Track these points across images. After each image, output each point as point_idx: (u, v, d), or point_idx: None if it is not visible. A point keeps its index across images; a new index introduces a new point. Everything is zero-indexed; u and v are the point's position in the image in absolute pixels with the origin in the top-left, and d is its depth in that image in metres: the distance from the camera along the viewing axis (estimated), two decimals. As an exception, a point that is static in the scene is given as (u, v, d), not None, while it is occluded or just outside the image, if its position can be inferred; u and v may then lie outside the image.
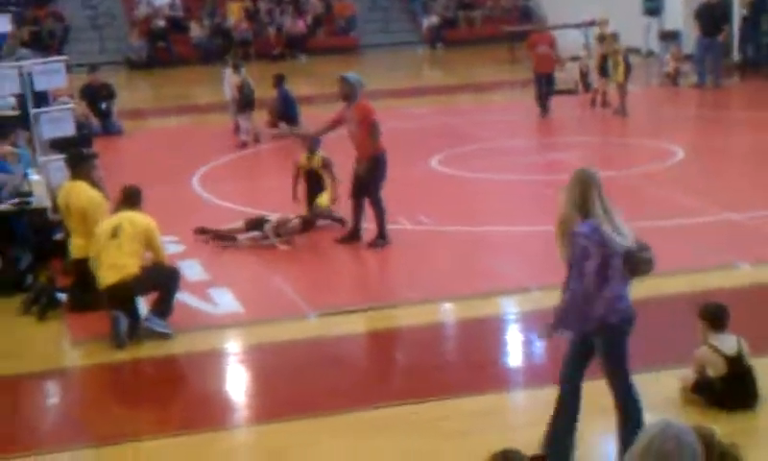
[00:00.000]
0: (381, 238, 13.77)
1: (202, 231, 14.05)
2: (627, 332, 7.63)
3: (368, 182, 13.65)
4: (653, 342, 10.57)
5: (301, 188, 15.00)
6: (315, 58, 33.92)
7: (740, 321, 10.14)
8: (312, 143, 14.92)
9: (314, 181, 14.90)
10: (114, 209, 11.25)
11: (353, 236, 13.95)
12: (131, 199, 11.11)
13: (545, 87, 22.28)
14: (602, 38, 24.02)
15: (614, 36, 22.88)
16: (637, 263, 7.56)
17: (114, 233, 10.76)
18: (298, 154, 15.31)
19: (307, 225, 14.48)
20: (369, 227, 13.88)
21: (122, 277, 10.65)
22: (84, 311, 11.49)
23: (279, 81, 21.80)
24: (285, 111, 21.63)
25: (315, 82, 30.51)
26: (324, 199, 14.71)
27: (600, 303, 7.38)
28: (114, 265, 10.69)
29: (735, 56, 27.32)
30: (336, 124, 13.96)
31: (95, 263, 10.94)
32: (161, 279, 10.87)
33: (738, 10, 27.40)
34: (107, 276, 10.73)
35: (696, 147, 19.07)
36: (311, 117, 22.27)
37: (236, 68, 21.67)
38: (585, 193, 7.54)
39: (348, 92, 13.69)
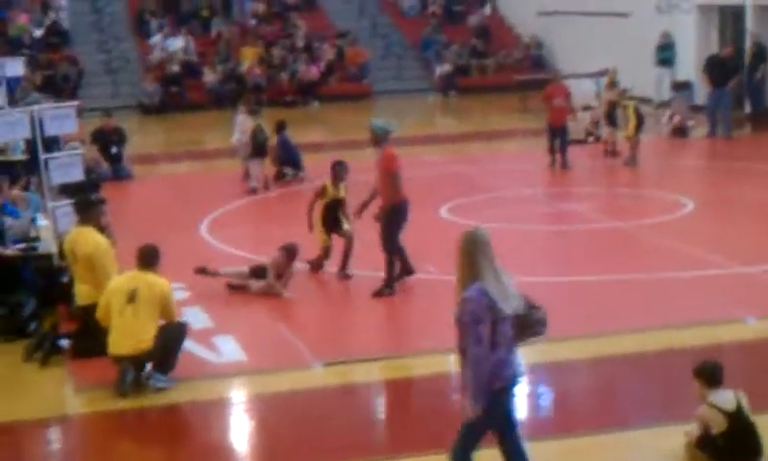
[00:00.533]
0: (388, 288, 13.74)
1: (202, 271, 13.97)
2: (509, 398, 7.46)
3: (383, 230, 13.71)
4: (659, 396, 10.50)
5: (317, 217, 14.75)
6: (327, 104, 34.01)
7: (746, 376, 10.09)
8: (342, 170, 14.76)
9: (334, 211, 14.73)
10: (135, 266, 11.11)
11: (407, 273, 13.96)
12: (147, 259, 10.97)
13: (560, 139, 22.19)
14: (610, 87, 24.09)
15: (623, 91, 22.97)
16: (526, 326, 7.42)
17: (131, 298, 10.68)
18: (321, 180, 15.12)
19: (318, 262, 14.50)
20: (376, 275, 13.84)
21: (136, 351, 10.59)
22: (88, 358, 11.44)
23: (280, 127, 21.82)
24: (287, 158, 21.66)
25: (327, 128, 30.62)
26: (346, 226, 14.67)
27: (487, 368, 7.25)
28: (130, 336, 10.62)
29: (747, 107, 27.28)
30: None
31: (106, 321, 10.85)
32: (170, 340, 10.79)
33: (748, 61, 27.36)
34: (120, 345, 10.67)
35: (706, 199, 19.01)
36: (323, 163, 22.30)
37: (252, 113, 21.67)
38: (473, 255, 7.35)
39: (374, 139, 13.82)
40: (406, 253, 13.95)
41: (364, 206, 14.18)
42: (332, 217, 14.72)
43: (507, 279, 7.41)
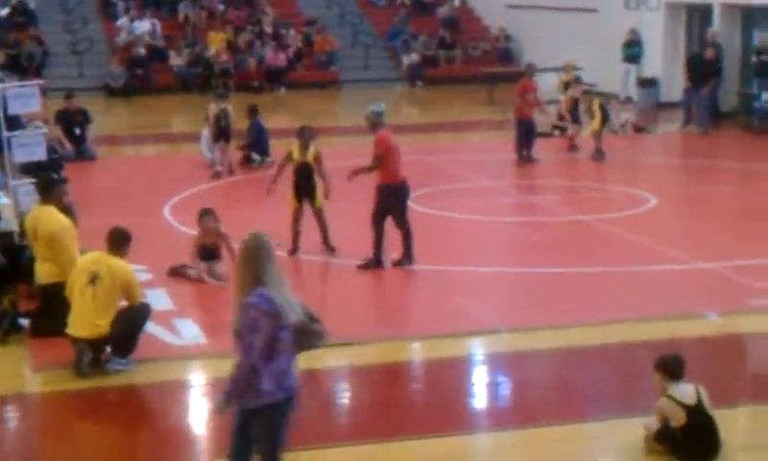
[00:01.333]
0: (407, 259, 14.20)
1: (175, 272, 13.85)
2: (291, 410, 7.27)
3: (390, 210, 14.12)
4: (619, 388, 10.55)
5: (287, 183, 14.76)
6: (294, 91, 33.91)
7: (705, 371, 10.15)
8: (308, 134, 14.79)
9: (305, 177, 14.67)
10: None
11: (377, 264, 14.17)
12: (117, 243, 10.86)
13: (530, 133, 22.19)
14: (567, 84, 24.19)
15: (586, 88, 23.07)
16: (307, 336, 7.29)
17: (92, 280, 10.60)
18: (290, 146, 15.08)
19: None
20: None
21: (92, 335, 10.52)
22: (47, 337, 11.34)
23: (255, 112, 21.74)
24: (257, 142, 21.58)
25: (293, 115, 30.50)
26: (319, 198, 14.65)
27: (267, 378, 7.05)
28: (87, 320, 10.56)
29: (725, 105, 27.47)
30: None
31: (70, 297, 10.78)
32: (131, 323, 10.72)
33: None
34: (78, 327, 10.60)
35: (670, 194, 19.10)
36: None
37: (219, 98, 21.57)
38: (257, 261, 7.11)
39: (370, 125, 14.28)
40: (383, 241, 14.17)
41: (356, 172, 14.36)
42: (303, 184, 14.65)
43: (287, 287, 7.20)
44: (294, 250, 14.67)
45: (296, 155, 14.73)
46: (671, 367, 8.69)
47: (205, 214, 14.12)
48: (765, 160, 22.31)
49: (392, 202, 14.11)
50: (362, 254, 14.28)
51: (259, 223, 15.41)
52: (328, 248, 14.68)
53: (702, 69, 25.76)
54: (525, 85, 22.53)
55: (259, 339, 6.96)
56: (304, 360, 10.88)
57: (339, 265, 14.45)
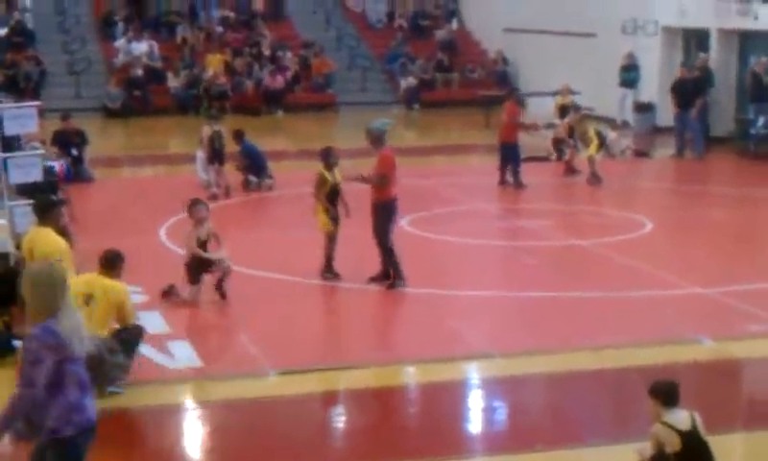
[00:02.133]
0: (399, 279, 14.20)
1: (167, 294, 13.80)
2: (83, 445, 6.92)
3: (375, 228, 14.19)
4: (613, 414, 10.54)
5: (320, 207, 14.60)
6: (292, 114, 33.96)
7: (700, 397, 10.14)
8: (332, 156, 14.68)
9: (335, 199, 14.60)
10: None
11: (400, 279, 14.30)
12: (110, 264, 10.88)
13: (516, 158, 22.16)
14: (563, 108, 24.29)
15: (582, 116, 23.16)
16: (105, 368, 7.08)
17: (87, 301, 10.58)
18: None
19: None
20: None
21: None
22: (41, 359, 11.31)
23: (240, 136, 21.69)
24: (252, 164, 21.59)
25: (290, 137, 30.57)
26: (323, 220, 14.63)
27: (53, 413, 6.76)
28: None
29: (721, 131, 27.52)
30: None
31: None
32: (124, 345, 10.70)
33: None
34: None
35: (665, 220, 19.12)
36: (285, 172, 22.29)
37: (212, 119, 21.60)
38: (49, 292, 6.78)
39: (371, 140, 14.35)
40: (396, 257, 14.26)
41: (360, 179, 14.40)
42: (336, 206, 14.61)
43: (79, 318, 6.96)
44: (333, 274, 14.57)
45: (328, 178, 14.55)
46: (666, 393, 8.66)
47: (196, 204, 14.04)
48: (761, 186, 22.35)
49: (385, 219, 14.18)
50: (361, 276, 14.31)
51: (256, 245, 15.51)
52: (333, 272, 14.64)
53: (687, 91, 25.80)
54: (513, 109, 22.50)
55: (42, 372, 6.67)
56: (299, 385, 10.97)
57: (338, 288, 14.44)
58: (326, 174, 14.55)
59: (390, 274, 14.30)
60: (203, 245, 13.81)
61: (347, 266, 14.61)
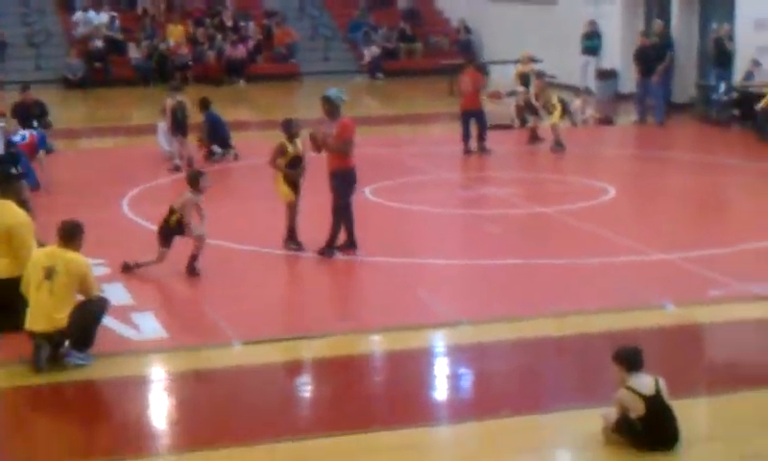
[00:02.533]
0: (329, 248, 14.17)
1: (127, 268, 13.68)
2: None
3: (335, 194, 14.18)
4: (577, 380, 10.60)
5: (279, 176, 14.56)
6: (254, 84, 33.82)
7: (664, 361, 10.22)
8: (293, 127, 14.62)
9: (295, 169, 14.50)
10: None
11: (350, 245, 14.34)
12: (69, 235, 10.77)
13: (482, 124, 22.26)
14: (523, 76, 24.39)
15: (539, 75, 23.22)
16: None
17: (48, 275, 10.52)
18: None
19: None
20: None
21: (50, 328, 10.45)
22: (4, 333, 11.25)
23: (206, 105, 21.56)
24: (215, 135, 21.46)
25: (253, 107, 30.47)
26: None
27: None
28: (44, 313, 10.49)
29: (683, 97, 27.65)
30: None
31: (28, 294, 10.71)
32: (88, 316, 10.65)
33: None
34: (35, 321, 10.53)
35: (628, 186, 19.21)
36: (248, 142, 22.21)
37: (174, 90, 21.47)
38: None
39: (330, 109, 14.26)
40: (353, 225, 14.28)
41: (322, 142, 14.21)
42: (298, 176, 14.54)
43: None
44: (296, 244, 14.54)
45: (289, 148, 14.51)
46: (630, 358, 8.74)
47: (202, 175, 13.99)
48: (722, 152, 22.50)
49: (346, 187, 14.20)
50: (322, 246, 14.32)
51: (220, 216, 15.40)
52: (296, 243, 14.59)
53: (648, 58, 25.88)
54: (476, 76, 22.53)
55: None
56: (265, 355, 10.97)
57: (302, 258, 14.43)
58: (288, 145, 14.50)
59: (354, 241, 14.29)
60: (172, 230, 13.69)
61: (310, 236, 14.58)
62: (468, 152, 22.01)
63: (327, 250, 14.19)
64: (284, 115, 15.25)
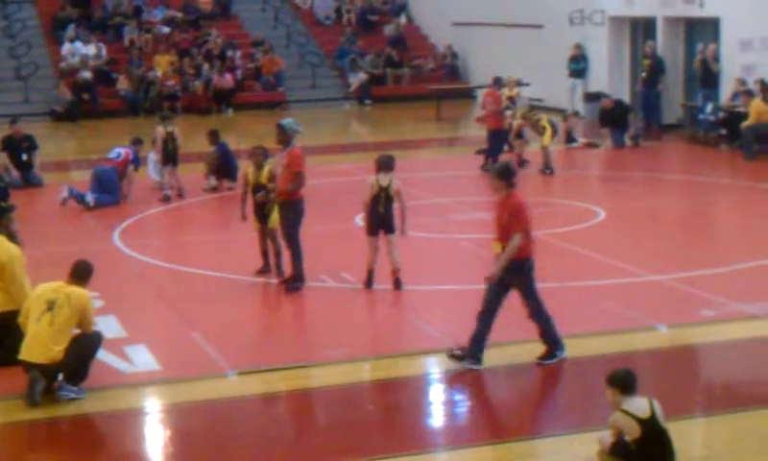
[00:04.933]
0: (298, 281, 13.93)
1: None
2: None
3: (284, 225, 13.98)
4: (572, 403, 10.60)
5: (249, 205, 14.67)
6: (243, 112, 33.86)
7: (658, 383, 10.23)
8: (260, 156, 14.65)
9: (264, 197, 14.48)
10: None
11: (300, 281, 14.14)
12: (79, 275, 10.85)
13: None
14: (511, 98, 24.62)
15: (530, 114, 23.39)
16: None
17: (50, 306, 10.56)
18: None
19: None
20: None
21: (45, 359, 10.44)
22: (-2, 367, 11.24)
23: (216, 136, 21.39)
24: (225, 167, 21.37)
25: (241, 135, 30.45)
26: (274, 218, 14.46)
27: None
28: (41, 344, 10.48)
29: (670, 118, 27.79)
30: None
31: (26, 326, 10.71)
32: (83, 350, 10.64)
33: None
34: (32, 352, 10.52)
35: (617, 208, 19.24)
36: (237, 172, 22.17)
37: (164, 120, 21.46)
38: None
39: (283, 138, 14.05)
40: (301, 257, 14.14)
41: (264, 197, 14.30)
42: (262, 206, 14.48)
43: None
44: (264, 269, 14.59)
45: (250, 177, 14.61)
46: (623, 381, 8.73)
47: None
48: (711, 172, 22.56)
49: (292, 218, 14.02)
50: (313, 275, 14.29)
51: (210, 247, 15.44)
52: (279, 272, 14.56)
53: (615, 116, 26.03)
54: (495, 96, 22.81)
55: None
56: (260, 385, 10.94)
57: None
58: (249, 173, 14.59)
59: (302, 275, 14.17)
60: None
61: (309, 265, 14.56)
62: (520, 163, 22.36)
63: (297, 283, 14.03)
64: (273, 143, 15.13)
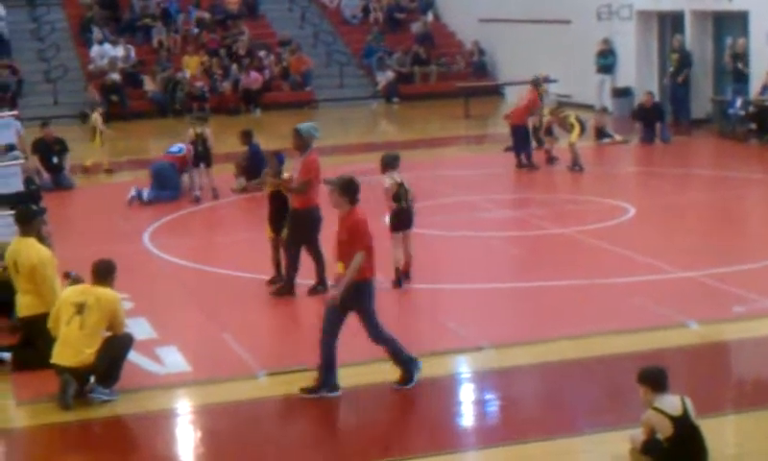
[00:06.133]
0: (321, 285, 13.82)
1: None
2: None
3: (302, 234, 13.79)
4: (603, 401, 10.57)
5: (264, 214, 14.57)
6: (271, 112, 33.91)
7: (689, 380, 10.19)
8: (274, 162, 14.51)
9: (281, 204, 14.23)
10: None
11: (288, 289, 13.93)
12: (101, 274, 10.88)
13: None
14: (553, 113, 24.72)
15: (558, 109, 23.35)
16: None
17: (79, 310, 10.62)
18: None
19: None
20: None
21: (77, 363, 10.50)
22: (30, 370, 11.31)
23: (249, 136, 21.27)
24: (255, 167, 21.31)
25: (268, 135, 30.49)
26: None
27: None
28: (72, 347, 10.55)
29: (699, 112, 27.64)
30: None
31: (56, 331, 10.77)
32: (115, 352, 10.70)
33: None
34: (63, 356, 10.59)
35: (647, 204, 19.16)
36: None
37: (197, 121, 21.50)
38: None
39: (300, 143, 13.85)
40: (297, 267, 13.95)
41: (281, 185, 14.08)
42: (276, 215, 14.31)
43: None
44: (276, 279, 14.42)
45: (269, 181, 14.46)
46: (655, 379, 8.69)
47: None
48: (741, 167, 22.43)
49: (309, 226, 13.80)
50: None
51: (239, 248, 15.47)
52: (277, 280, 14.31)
53: (650, 116, 25.92)
54: (533, 97, 23.00)
55: None
56: (290, 386, 10.95)
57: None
58: (269, 178, 14.42)
59: (281, 276, 14.05)
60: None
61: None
62: (519, 166, 22.58)
63: (319, 286, 13.84)
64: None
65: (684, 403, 8.59)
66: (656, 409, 8.54)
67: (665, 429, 8.48)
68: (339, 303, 10.45)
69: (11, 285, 12.15)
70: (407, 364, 10.77)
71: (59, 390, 10.49)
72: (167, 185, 20.47)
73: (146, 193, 20.20)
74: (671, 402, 8.57)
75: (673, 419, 8.47)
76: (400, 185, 14.26)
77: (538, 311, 13.25)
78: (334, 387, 10.57)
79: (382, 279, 14.27)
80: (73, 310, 10.63)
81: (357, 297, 10.53)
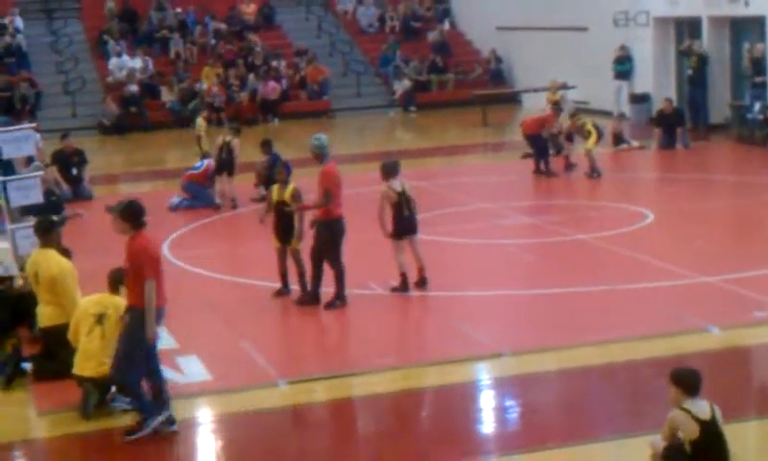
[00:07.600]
0: (339, 299, 13.78)
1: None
2: None
3: (324, 246, 13.73)
4: (624, 408, 10.55)
5: (270, 224, 14.45)
6: (288, 121, 33.97)
7: (711, 385, 10.12)
8: (284, 172, 14.58)
9: (286, 215, 14.18)
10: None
11: (312, 299, 13.91)
12: (115, 283, 10.96)
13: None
14: (555, 103, 24.72)
15: (575, 114, 23.35)
16: None
17: (99, 320, 10.68)
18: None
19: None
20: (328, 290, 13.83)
21: (98, 373, 10.53)
22: (51, 381, 11.35)
23: (269, 146, 21.15)
24: (273, 176, 21.30)
25: (285, 145, 30.55)
26: (295, 239, 14.23)
27: None
28: (94, 358, 10.59)
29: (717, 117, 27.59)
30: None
31: (76, 342, 10.81)
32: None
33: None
34: (84, 366, 10.63)
35: (666, 210, 19.12)
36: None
37: (231, 131, 21.61)
38: None
39: (316, 154, 13.89)
40: (321, 279, 13.88)
41: (304, 208, 14.07)
42: (283, 224, 14.25)
43: None
44: (282, 291, 14.40)
45: (274, 194, 14.38)
46: (689, 381, 8.55)
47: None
48: (760, 172, 22.37)
49: (330, 238, 13.72)
50: (380, 282, 14.29)
51: (258, 256, 15.45)
52: (303, 289, 14.21)
53: (667, 122, 25.85)
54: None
55: None
56: (311, 394, 10.97)
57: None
58: (273, 190, 14.38)
59: (344, 295, 13.88)
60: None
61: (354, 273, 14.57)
62: (568, 167, 22.82)
63: (337, 301, 13.74)
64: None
65: (713, 409, 8.52)
66: (684, 410, 8.44)
67: (692, 432, 8.38)
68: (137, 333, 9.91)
69: (32, 296, 12.20)
70: (148, 410, 10.13)
71: (81, 400, 10.53)
72: (197, 197, 21.11)
73: (176, 200, 20.88)
74: (701, 406, 8.48)
75: (701, 422, 8.38)
76: (401, 194, 14.25)
77: (557, 318, 13.23)
78: (173, 421, 10.12)
79: (375, 285, 14.35)
80: (93, 321, 10.68)
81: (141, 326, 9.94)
